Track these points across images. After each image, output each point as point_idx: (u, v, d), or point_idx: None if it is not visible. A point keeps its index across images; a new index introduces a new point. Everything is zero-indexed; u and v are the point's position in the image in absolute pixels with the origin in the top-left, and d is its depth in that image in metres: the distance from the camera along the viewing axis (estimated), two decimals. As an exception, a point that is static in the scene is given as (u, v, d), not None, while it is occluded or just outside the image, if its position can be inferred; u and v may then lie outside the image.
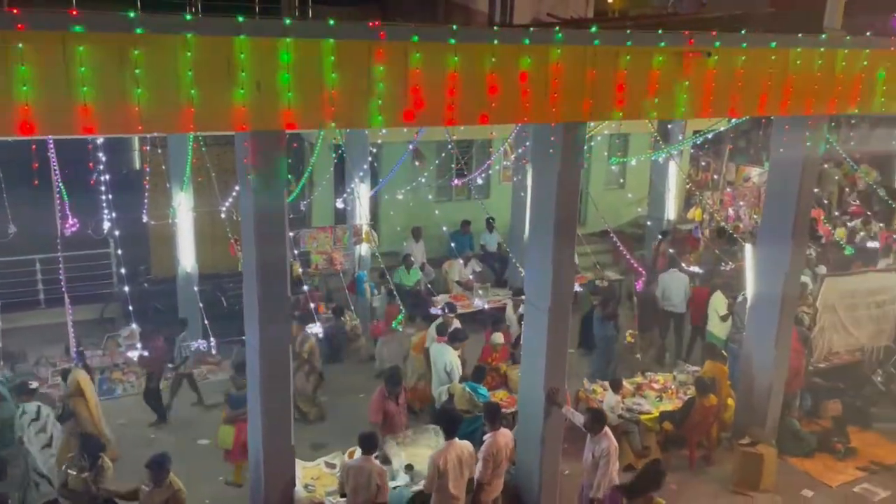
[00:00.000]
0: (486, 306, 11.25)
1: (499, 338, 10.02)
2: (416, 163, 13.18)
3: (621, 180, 17.76)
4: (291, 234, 10.88)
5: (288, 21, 5.64)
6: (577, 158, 7.38)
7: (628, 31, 7.02)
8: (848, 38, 8.21)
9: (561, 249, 7.48)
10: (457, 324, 10.23)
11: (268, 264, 6.20)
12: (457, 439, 7.03)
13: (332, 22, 5.72)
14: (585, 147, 15.48)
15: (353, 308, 11.53)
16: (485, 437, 7.25)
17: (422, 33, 6.04)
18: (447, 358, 9.26)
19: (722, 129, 14.09)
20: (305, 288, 10.10)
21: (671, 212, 15.35)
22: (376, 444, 7.05)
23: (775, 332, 9.01)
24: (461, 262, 13.35)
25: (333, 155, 12.96)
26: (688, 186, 16.54)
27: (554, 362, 7.72)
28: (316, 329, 8.25)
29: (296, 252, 10.57)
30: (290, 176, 13.92)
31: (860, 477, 8.98)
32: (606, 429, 7.19)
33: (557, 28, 6.81)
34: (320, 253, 11.67)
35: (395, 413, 8.37)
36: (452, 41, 6.13)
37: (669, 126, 14.44)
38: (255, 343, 6.40)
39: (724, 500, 8.50)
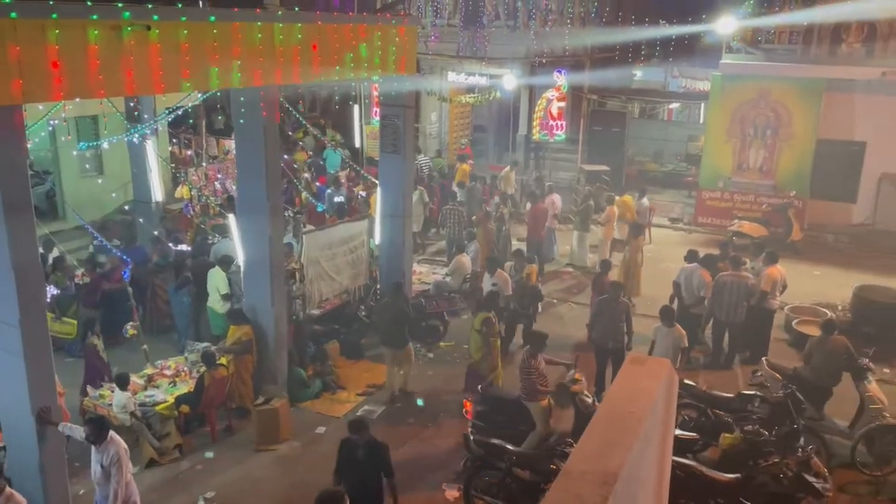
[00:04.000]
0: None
1: None
2: None
3: (87, 167, 15.97)
4: None
5: None
6: (17, 146, 6.49)
7: (51, 3, 6.35)
8: (280, 12, 8.90)
9: (20, 253, 6.57)
10: None
11: None
12: None
13: None
14: (46, 132, 13.95)
15: None
16: None
17: None
18: None
19: (191, 104, 14.10)
20: None
21: (158, 193, 14.87)
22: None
23: (269, 292, 9.57)
24: None
25: None
26: (171, 166, 16.22)
27: (38, 380, 6.84)
28: None
29: None
30: None
31: (361, 401, 10.20)
32: (112, 434, 6.70)
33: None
34: None
35: None
36: None
37: (132, 104, 13.77)
38: None
39: (251, 461, 8.81)
